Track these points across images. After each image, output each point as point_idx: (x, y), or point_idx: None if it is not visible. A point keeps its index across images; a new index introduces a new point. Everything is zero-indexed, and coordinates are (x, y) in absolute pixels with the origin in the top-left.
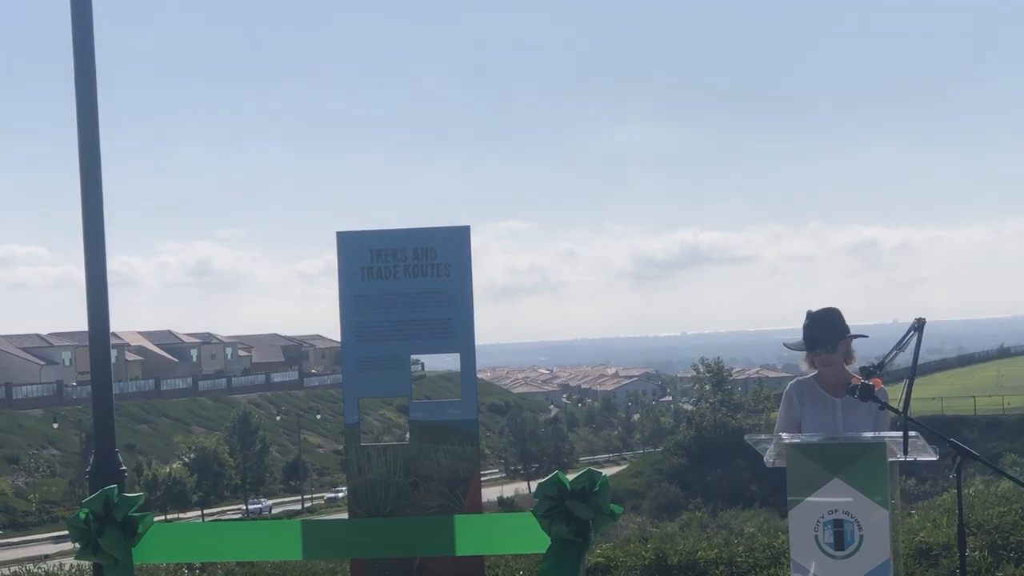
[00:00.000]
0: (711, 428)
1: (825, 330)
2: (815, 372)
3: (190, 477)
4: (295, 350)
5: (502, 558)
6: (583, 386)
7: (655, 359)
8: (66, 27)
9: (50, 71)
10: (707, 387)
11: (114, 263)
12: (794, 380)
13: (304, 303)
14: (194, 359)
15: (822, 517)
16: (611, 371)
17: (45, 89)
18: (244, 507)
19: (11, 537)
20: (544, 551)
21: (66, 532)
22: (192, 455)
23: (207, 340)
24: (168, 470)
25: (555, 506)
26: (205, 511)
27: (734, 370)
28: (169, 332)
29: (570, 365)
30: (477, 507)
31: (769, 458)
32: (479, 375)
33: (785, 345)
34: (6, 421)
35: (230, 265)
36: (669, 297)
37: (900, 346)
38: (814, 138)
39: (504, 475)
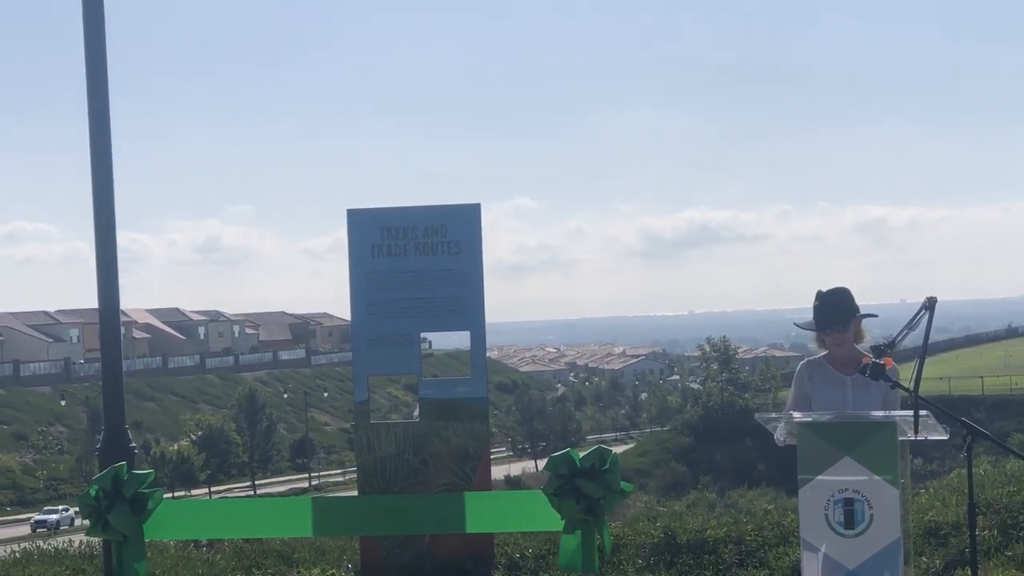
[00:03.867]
0: (718, 407)
1: (835, 310)
2: (826, 351)
3: (198, 455)
4: (302, 328)
5: (511, 535)
6: (590, 365)
7: (662, 338)
8: (76, 3)
9: (60, 48)
10: (714, 366)
11: (122, 240)
12: (805, 360)
13: (312, 281)
14: (201, 336)
15: (832, 496)
16: (618, 350)
17: (54, 66)
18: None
19: (19, 513)
20: (552, 529)
21: (74, 508)
22: (199, 433)
23: (214, 318)
24: (176, 447)
25: (565, 484)
26: (212, 488)
27: (741, 349)
28: (176, 309)
29: (577, 344)
30: (486, 485)
31: (780, 436)
32: (487, 353)
33: (796, 324)
34: (14, 398)
35: (238, 242)
36: (677, 276)
37: (911, 325)
38: (824, 117)
39: (511, 454)
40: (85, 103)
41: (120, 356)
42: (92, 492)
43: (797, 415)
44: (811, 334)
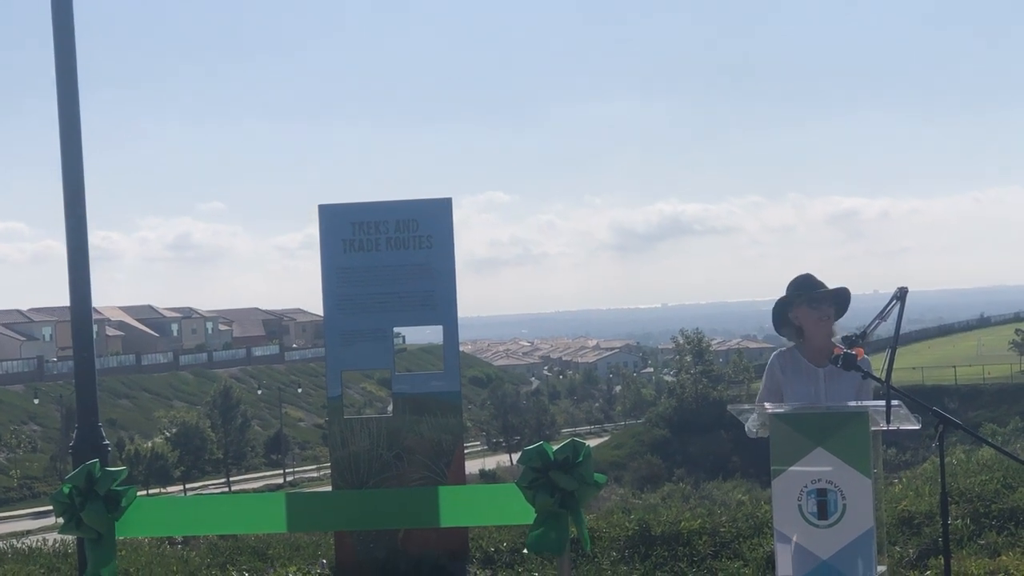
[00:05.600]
0: (692, 399)
1: (824, 288)
2: (797, 342)
3: (172, 452)
4: (276, 324)
5: (486, 529)
6: (564, 358)
7: (636, 331)
8: (44, 2)
9: (29, 44)
10: (688, 358)
11: (94, 238)
12: (777, 351)
13: (284, 277)
14: (175, 334)
15: (805, 487)
16: (592, 343)
17: (23, 62)
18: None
19: None
20: (527, 522)
21: (48, 508)
22: (174, 430)
23: (188, 315)
24: (150, 445)
25: (539, 477)
26: (187, 486)
27: (714, 341)
28: (150, 307)
29: (551, 337)
30: (461, 479)
31: (752, 427)
32: (460, 348)
33: (788, 295)
34: None
35: (210, 239)
36: (650, 269)
37: (882, 315)
38: (794, 110)
39: (486, 448)
40: (55, 100)
41: (92, 354)
42: (65, 490)
43: (769, 406)
44: (785, 325)
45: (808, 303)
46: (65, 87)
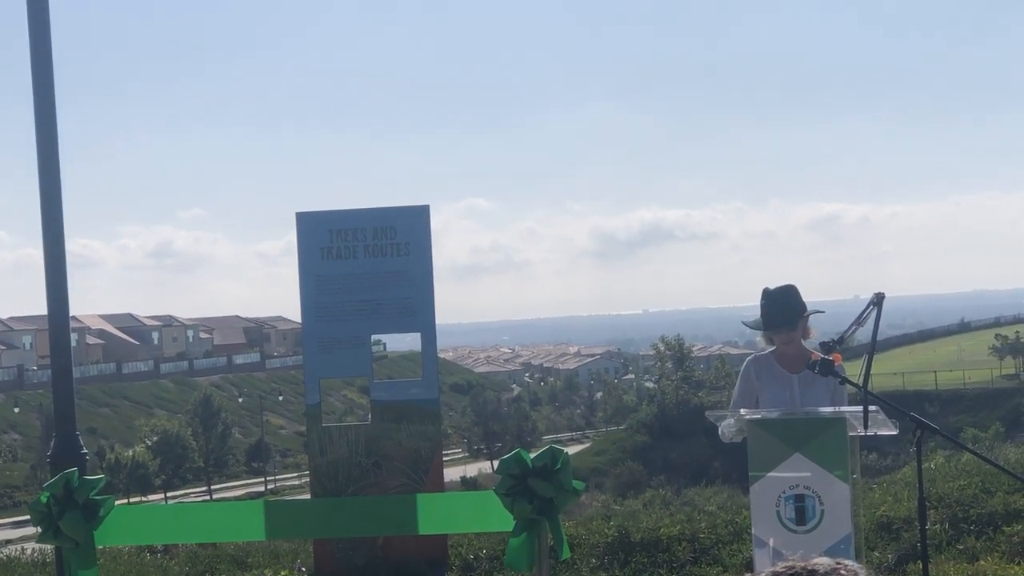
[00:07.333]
0: (673, 406)
1: (784, 309)
2: (773, 348)
3: (153, 460)
4: (257, 332)
5: (465, 536)
6: (545, 365)
7: (617, 337)
8: (21, 7)
9: (4, 50)
10: (669, 365)
11: (74, 246)
12: (752, 356)
13: (266, 284)
14: (155, 342)
15: (783, 492)
16: (573, 349)
17: None
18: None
19: None
20: (505, 529)
21: (27, 517)
22: (154, 438)
23: (168, 323)
24: (131, 453)
25: (517, 484)
26: (168, 494)
27: (695, 347)
28: (130, 315)
29: (532, 344)
30: (439, 486)
31: (727, 433)
32: (441, 355)
33: (744, 323)
34: None
35: (190, 247)
36: (631, 275)
37: (859, 321)
38: (775, 115)
39: (467, 455)
40: (31, 105)
41: (70, 363)
42: (43, 499)
43: (746, 412)
44: (760, 331)
45: (765, 331)
46: (41, 93)
